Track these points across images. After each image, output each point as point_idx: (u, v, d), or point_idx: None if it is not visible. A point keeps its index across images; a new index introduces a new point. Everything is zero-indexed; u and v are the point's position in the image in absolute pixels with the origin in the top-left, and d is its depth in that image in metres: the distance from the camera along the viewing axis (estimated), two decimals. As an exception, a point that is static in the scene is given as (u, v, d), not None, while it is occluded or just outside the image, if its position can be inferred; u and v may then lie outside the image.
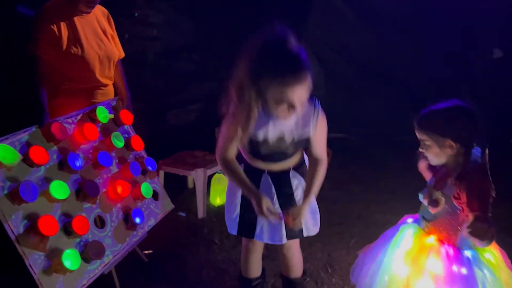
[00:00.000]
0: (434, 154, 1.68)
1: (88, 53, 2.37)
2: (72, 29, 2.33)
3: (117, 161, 2.45)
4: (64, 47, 2.30)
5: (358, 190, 3.65)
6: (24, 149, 2.02)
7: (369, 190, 3.65)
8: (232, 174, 1.84)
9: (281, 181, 1.90)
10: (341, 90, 4.78)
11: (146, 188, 2.48)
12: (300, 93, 1.58)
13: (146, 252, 2.74)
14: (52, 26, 2.25)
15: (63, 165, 2.15)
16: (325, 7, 4.64)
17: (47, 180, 2.06)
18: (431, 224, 1.72)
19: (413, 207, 1.87)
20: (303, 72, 1.56)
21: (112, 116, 2.51)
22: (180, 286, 2.50)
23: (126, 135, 2.57)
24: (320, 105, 1.79)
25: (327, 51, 4.77)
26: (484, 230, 1.41)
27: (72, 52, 2.32)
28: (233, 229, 2.00)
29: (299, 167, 1.92)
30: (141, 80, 3.70)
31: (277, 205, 1.88)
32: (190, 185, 3.66)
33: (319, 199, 1.95)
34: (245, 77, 1.60)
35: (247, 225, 1.95)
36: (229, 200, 2.00)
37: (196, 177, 3.25)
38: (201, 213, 3.27)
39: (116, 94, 2.67)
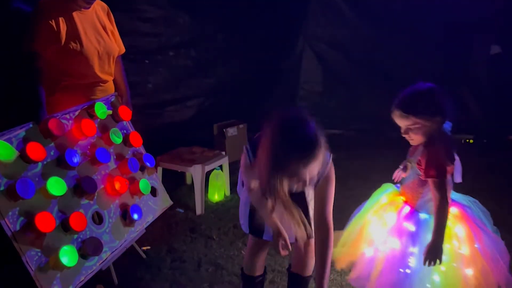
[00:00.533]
0: (421, 134, 1.82)
1: (87, 49, 2.35)
2: (71, 24, 2.30)
3: (115, 157, 2.44)
4: (63, 43, 2.27)
5: (354, 185, 3.65)
6: (21, 145, 2.00)
7: (365, 185, 3.65)
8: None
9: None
10: (339, 86, 4.77)
11: (144, 185, 2.48)
12: (313, 168, 1.53)
13: (144, 248, 2.74)
14: (50, 22, 2.22)
15: (61, 161, 2.14)
16: (324, 4, 4.63)
17: (44, 177, 2.05)
18: (402, 187, 2.02)
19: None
20: (318, 150, 1.51)
21: (110, 112, 2.50)
22: (178, 282, 2.50)
23: (125, 131, 2.56)
24: (331, 159, 1.74)
25: (326, 47, 4.76)
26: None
27: (71, 47, 2.30)
28: (246, 228, 2.01)
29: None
30: (139, 76, 3.69)
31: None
32: (188, 181, 3.66)
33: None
34: (269, 166, 1.52)
35: (257, 225, 1.92)
36: (243, 200, 1.99)
37: (194, 173, 3.25)
38: (199, 210, 3.26)
39: (115, 90, 2.66)
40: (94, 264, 2.16)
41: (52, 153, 2.12)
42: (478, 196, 2.02)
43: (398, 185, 2.10)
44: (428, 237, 1.81)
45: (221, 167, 3.51)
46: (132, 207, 2.38)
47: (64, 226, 2.06)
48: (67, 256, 1.99)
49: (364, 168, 4.01)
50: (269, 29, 4.36)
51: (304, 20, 4.65)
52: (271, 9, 4.34)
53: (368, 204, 2.10)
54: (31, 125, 2.09)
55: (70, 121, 2.27)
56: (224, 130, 4.03)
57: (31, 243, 1.91)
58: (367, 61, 4.66)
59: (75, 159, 2.18)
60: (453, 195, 1.97)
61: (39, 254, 1.93)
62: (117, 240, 2.30)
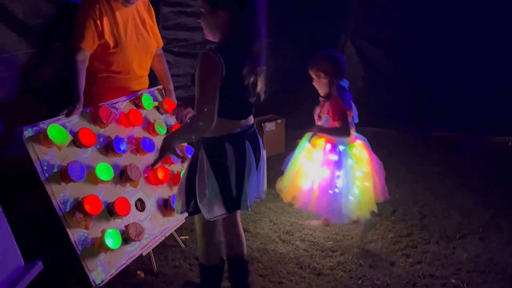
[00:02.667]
0: (318, 85, 2.68)
1: (127, 46, 2.40)
2: (114, 21, 2.34)
3: (159, 147, 2.50)
4: (105, 40, 2.32)
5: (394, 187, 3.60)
6: (74, 130, 2.10)
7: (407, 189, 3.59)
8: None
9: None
10: (381, 83, 4.68)
11: (185, 175, 2.53)
12: None
13: (183, 237, 2.80)
14: (97, 21, 2.26)
15: (109, 148, 2.22)
16: (367, 0, 4.56)
17: (93, 162, 2.14)
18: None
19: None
20: None
21: (156, 103, 2.57)
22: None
23: (169, 124, 2.63)
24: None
25: (367, 44, 4.69)
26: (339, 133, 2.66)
27: (112, 45, 2.35)
28: (219, 210, 1.87)
29: None
30: (180, 69, 3.75)
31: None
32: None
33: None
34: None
35: (232, 199, 1.88)
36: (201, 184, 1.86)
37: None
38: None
39: (159, 82, 2.72)
40: (135, 249, 2.23)
41: (101, 139, 2.21)
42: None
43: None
44: (347, 162, 2.63)
45: (258, 161, 3.53)
46: (173, 197, 2.44)
47: (109, 210, 2.15)
48: (112, 238, 2.07)
49: (403, 168, 3.93)
50: (310, 25, 4.34)
51: (346, 16, 4.59)
52: (313, 5, 4.31)
53: (297, 151, 2.81)
54: (84, 112, 2.18)
55: (119, 110, 2.35)
56: (262, 124, 4.05)
57: (79, 224, 2.00)
58: (410, 59, 4.55)
59: (122, 147, 2.26)
60: (356, 134, 2.80)
61: (86, 235, 2.02)
62: (157, 227, 2.37)
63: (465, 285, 2.39)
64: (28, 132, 1.91)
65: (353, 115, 2.74)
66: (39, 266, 1.69)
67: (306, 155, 2.77)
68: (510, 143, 4.48)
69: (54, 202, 1.92)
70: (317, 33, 4.33)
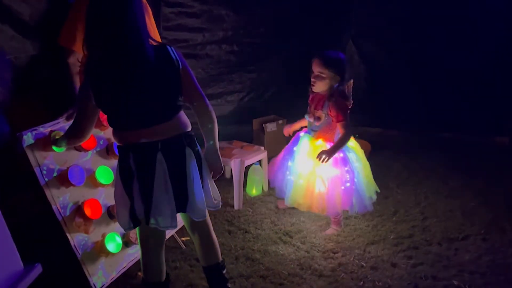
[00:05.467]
0: (324, 84, 2.65)
1: None
2: None
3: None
4: None
5: (395, 186, 3.59)
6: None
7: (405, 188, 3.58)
8: None
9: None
10: (384, 84, 4.66)
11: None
12: None
13: (183, 239, 2.80)
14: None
15: (109, 151, 2.22)
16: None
17: (93, 165, 2.13)
18: (318, 133, 2.77)
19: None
20: None
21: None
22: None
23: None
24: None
25: (368, 43, 4.67)
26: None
27: None
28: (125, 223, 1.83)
29: None
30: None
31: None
32: (227, 175, 3.70)
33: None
34: None
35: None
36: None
37: (233, 167, 3.28)
38: (237, 204, 3.30)
39: None
40: (136, 252, 2.23)
41: (101, 142, 2.21)
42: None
43: (306, 132, 2.86)
44: (351, 156, 2.74)
45: (259, 162, 3.53)
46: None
47: (110, 213, 2.15)
48: (112, 242, 2.07)
49: (405, 169, 3.92)
50: (312, 25, 4.32)
51: (349, 16, 4.57)
52: (314, 5, 4.30)
53: (296, 157, 2.81)
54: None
55: (118, 113, 2.34)
56: (263, 125, 4.04)
57: (80, 228, 1.99)
58: (412, 59, 4.52)
59: (122, 150, 2.25)
60: None
61: (86, 239, 2.02)
62: (158, 229, 2.36)
63: (467, 286, 2.38)
64: (27, 137, 1.90)
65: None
66: (38, 269, 1.66)
67: (309, 157, 2.76)
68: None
69: (53, 207, 1.92)
70: (319, 33, 4.32)
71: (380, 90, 4.65)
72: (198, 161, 1.83)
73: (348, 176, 2.70)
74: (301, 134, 2.89)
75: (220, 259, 2.11)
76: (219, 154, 1.93)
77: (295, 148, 2.86)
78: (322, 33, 4.34)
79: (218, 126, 1.89)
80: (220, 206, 1.98)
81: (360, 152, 2.83)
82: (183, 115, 1.84)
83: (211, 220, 2.07)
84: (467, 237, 2.85)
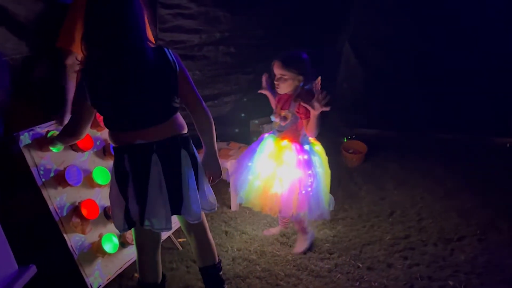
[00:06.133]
0: (287, 85, 2.54)
1: None
2: None
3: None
4: None
5: (391, 187, 3.60)
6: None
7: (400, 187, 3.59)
8: None
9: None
10: (381, 85, 4.66)
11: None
12: None
13: (180, 240, 2.80)
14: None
15: (106, 151, 2.22)
16: (366, 1, 4.54)
17: (90, 166, 2.13)
18: (283, 133, 2.65)
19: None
20: None
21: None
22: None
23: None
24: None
25: (365, 45, 4.68)
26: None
27: None
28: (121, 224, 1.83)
29: None
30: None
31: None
32: (224, 176, 3.69)
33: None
34: None
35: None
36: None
37: (230, 168, 3.28)
38: (234, 206, 3.30)
39: None
40: (133, 253, 2.22)
41: (98, 143, 2.21)
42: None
43: (271, 133, 2.75)
44: (316, 160, 2.62)
45: (256, 163, 3.52)
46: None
47: (107, 214, 2.14)
48: (109, 243, 2.07)
49: (402, 169, 3.93)
50: (308, 26, 4.34)
51: (345, 17, 4.58)
52: (310, 7, 4.31)
53: (256, 157, 2.70)
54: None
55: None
56: (260, 126, 4.05)
57: (76, 229, 1.99)
58: (409, 60, 4.53)
59: (119, 150, 2.25)
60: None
61: (83, 239, 2.02)
62: (155, 230, 2.36)
63: (462, 287, 2.39)
64: (24, 137, 1.90)
65: None
66: (32, 270, 1.66)
67: (272, 158, 2.64)
68: (508, 145, 4.48)
69: (50, 207, 1.92)
70: (315, 34, 4.33)
71: (377, 91, 4.65)
72: (193, 163, 1.83)
73: (309, 180, 2.59)
74: (266, 135, 2.78)
75: (217, 260, 2.10)
76: (218, 158, 1.92)
77: (259, 148, 2.75)
78: (319, 35, 4.35)
79: (215, 127, 1.89)
80: (216, 209, 1.98)
81: (324, 159, 2.70)
82: (179, 117, 1.83)
83: (207, 221, 2.07)
84: (463, 237, 2.86)
